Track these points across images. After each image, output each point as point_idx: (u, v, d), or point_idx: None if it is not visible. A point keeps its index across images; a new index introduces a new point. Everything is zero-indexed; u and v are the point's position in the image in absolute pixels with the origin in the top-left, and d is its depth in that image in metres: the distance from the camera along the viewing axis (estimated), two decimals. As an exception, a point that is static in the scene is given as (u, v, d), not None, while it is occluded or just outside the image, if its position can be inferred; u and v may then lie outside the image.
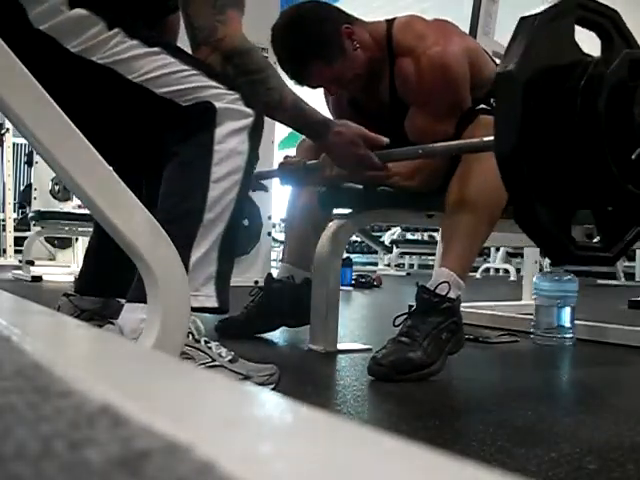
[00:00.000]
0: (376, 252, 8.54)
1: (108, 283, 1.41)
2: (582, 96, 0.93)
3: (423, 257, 8.93)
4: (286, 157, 1.68)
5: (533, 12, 0.95)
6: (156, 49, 1.09)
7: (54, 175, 4.99)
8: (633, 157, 0.95)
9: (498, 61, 2.16)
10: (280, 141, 4.53)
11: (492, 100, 1.45)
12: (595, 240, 1.07)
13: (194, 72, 1.09)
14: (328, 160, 1.46)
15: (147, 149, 1.24)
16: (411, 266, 9.21)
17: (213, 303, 1.05)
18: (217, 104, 1.08)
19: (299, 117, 1.24)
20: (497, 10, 2.25)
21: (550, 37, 0.96)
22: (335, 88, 1.62)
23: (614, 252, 1.08)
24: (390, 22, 1.58)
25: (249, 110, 1.10)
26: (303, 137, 1.80)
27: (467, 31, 2.15)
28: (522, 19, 0.96)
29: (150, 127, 1.16)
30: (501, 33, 2.24)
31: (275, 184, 1.91)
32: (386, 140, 1.36)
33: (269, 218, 3.98)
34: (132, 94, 1.09)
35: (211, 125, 1.07)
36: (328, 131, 1.29)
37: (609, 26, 1.03)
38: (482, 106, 1.49)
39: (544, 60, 0.95)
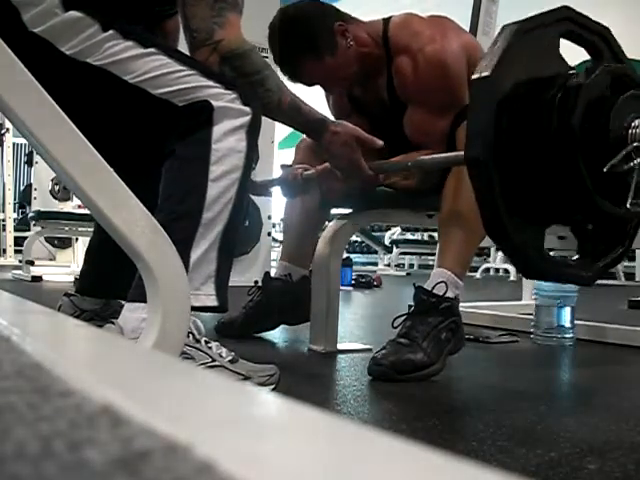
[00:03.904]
0: (376, 252, 8.54)
1: (109, 284, 1.41)
2: (558, 108, 0.91)
3: (423, 257, 8.93)
4: (282, 166, 1.67)
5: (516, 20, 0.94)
6: (152, 50, 1.09)
7: (54, 175, 4.99)
8: (605, 170, 0.92)
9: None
10: (280, 141, 4.53)
11: None
12: (575, 258, 1.05)
13: (191, 72, 1.09)
14: (323, 175, 1.47)
15: (144, 149, 1.23)
16: (411, 266, 9.21)
17: (213, 302, 1.05)
18: (215, 103, 1.08)
19: (297, 117, 1.24)
20: (497, 10, 2.25)
21: (530, 46, 0.94)
22: (331, 86, 1.62)
23: (593, 271, 1.06)
24: (386, 21, 1.58)
25: (246, 108, 1.10)
26: (301, 138, 1.81)
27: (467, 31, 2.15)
28: (504, 27, 0.94)
29: (147, 128, 1.15)
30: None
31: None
32: (380, 143, 1.36)
33: (269, 218, 3.98)
34: (128, 95, 1.08)
35: (209, 124, 1.07)
36: (325, 130, 1.30)
37: (598, 42, 1.00)
38: None
39: (522, 68, 0.93)
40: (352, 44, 1.54)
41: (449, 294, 1.38)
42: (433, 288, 1.38)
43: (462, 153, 1.25)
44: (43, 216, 4.41)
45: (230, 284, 1.10)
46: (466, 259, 1.46)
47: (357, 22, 1.59)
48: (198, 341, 1.07)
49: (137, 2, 1.22)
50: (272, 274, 1.85)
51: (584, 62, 1.01)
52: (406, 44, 1.50)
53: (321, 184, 1.50)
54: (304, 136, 1.83)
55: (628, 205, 0.95)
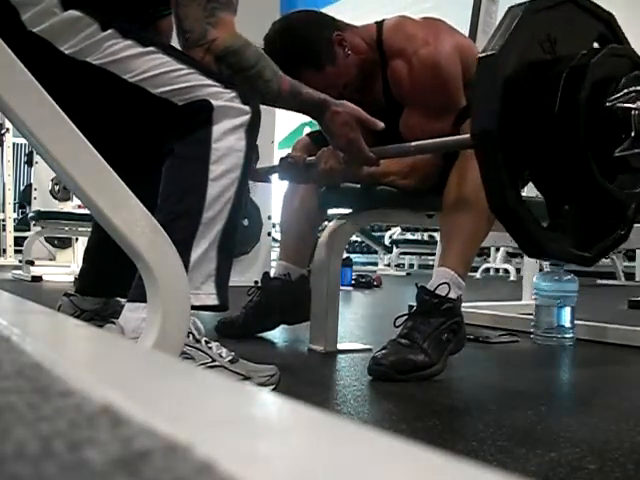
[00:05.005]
0: (376, 252, 8.54)
1: (108, 283, 1.41)
2: (563, 86, 0.93)
3: (423, 257, 8.93)
4: (288, 154, 1.68)
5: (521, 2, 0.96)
6: (151, 49, 1.09)
7: (54, 175, 4.98)
8: (616, 154, 0.94)
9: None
10: (280, 141, 4.53)
11: None
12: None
13: (190, 71, 1.09)
14: (324, 155, 1.46)
15: (143, 149, 1.23)
16: (411, 266, 9.21)
17: (214, 301, 1.05)
18: (214, 102, 1.08)
19: (297, 101, 1.24)
20: (497, 10, 2.25)
21: (537, 27, 0.96)
22: (330, 94, 1.62)
23: (593, 253, 1.08)
24: (380, 24, 1.58)
25: (246, 107, 1.10)
26: (299, 137, 1.81)
27: (467, 31, 2.15)
28: (510, 8, 0.96)
29: (146, 127, 1.15)
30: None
31: (276, 182, 1.91)
32: (381, 125, 1.35)
33: (269, 218, 3.98)
34: (128, 94, 1.08)
35: (208, 123, 1.07)
36: (326, 110, 1.29)
37: (602, 28, 1.02)
38: None
39: (528, 48, 0.95)
40: (349, 52, 1.54)
41: (451, 295, 1.38)
42: (436, 289, 1.38)
43: (466, 136, 1.26)
44: (43, 216, 4.41)
45: (230, 284, 1.10)
46: (468, 258, 1.47)
47: (351, 28, 1.59)
48: (198, 341, 1.07)
49: (132, 2, 1.22)
50: (272, 274, 1.86)
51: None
52: (400, 47, 1.50)
53: (321, 163, 1.49)
54: (302, 135, 1.83)
55: (616, 152, 0.95)
